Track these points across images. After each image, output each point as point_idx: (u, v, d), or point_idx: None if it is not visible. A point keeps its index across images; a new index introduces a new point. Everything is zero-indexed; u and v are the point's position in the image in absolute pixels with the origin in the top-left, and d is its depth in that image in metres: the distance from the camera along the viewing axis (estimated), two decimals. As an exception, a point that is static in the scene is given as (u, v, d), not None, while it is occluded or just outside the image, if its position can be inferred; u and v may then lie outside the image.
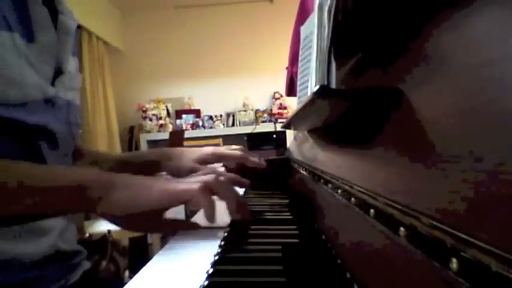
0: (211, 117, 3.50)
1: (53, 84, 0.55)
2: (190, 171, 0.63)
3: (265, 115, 3.48)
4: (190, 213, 3.04)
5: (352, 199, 0.32)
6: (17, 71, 0.49)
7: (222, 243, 0.42)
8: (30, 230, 0.51)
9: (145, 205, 0.45)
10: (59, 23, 0.58)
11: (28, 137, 0.51)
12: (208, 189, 0.46)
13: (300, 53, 0.68)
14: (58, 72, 0.57)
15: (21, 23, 0.51)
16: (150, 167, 0.71)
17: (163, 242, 0.56)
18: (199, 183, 0.46)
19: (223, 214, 0.49)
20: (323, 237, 0.42)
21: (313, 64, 0.50)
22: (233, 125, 3.51)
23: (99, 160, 0.72)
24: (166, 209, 0.48)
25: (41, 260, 0.52)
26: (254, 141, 3.25)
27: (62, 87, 0.57)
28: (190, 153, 0.71)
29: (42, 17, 0.54)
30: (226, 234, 0.47)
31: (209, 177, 0.48)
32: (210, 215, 0.45)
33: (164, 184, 0.46)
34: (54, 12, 0.58)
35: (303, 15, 1.05)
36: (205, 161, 0.70)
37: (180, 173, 0.66)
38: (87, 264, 0.64)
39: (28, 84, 0.50)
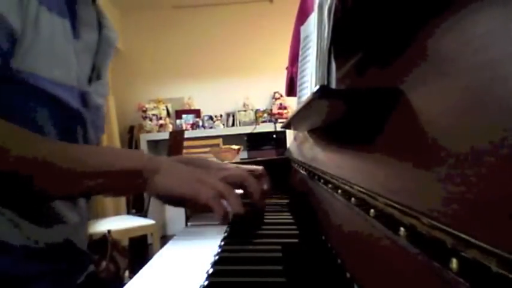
0: (211, 117, 3.50)
1: (88, 86, 0.58)
2: None
3: (265, 115, 3.47)
4: (190, 213, 3.04)
5: (352, 199, 0.32)
6: (65, 52, 0.52)
7: (222, 243, 0.42)
8: (47, 216, 0.52)
9: (178, 193, 0.49)
10: (102, 34, 0.61)
11: (68, 122, 0.53)
12: (221, 196, 0.49)
13: (300, 53, 0.68)
14: (95, 77, 0.60)
15: (70, 18, 0.53)
16: None
17: (163, 242, 0.56)
18: (214, 191, 0.49)
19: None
20: (323, 237, 0.42)
21: (313, 64, 0.50)
22: (233, 125, 3.51)
23: None
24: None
25: (54, 251, 0.53)
26: (254, 141, 3.25)
27: (94, 91, 0.59)
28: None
29: (89, 17, 0.57)
30: (226, 234, 0.47)
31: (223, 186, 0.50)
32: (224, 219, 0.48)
33: (195, 183, 0.49)
34: (98, 23, 0.61)
35: (303, 15, 1.04)
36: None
37: None
38: (91, 267, 0.64)
39: (71, 69, 0.53)
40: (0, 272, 0.47)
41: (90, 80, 0.58)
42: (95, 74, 0.60)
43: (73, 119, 0.54)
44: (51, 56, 0.49)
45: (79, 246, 0.59)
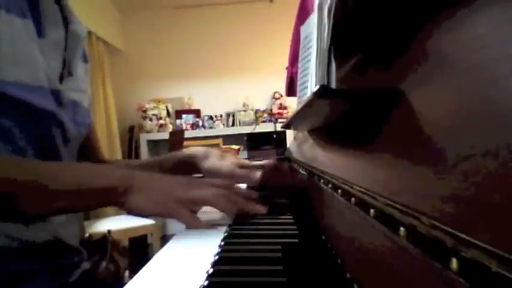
0: (211, 117, 3.50)
1: (60, 83, 0.57)
2: (229, 173, 0.73)
3: (265, 115, 3.48)
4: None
5: (352, 199, 0.32)
6: (29, 53, 0.50)
7: (222, 243, 0.42)
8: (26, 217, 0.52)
9: (153, 213, 0.51)
10: (69, 29, 0.60)
11: (42, 125, 0.52)
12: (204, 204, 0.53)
13: (300, 53, 0.68)
14: (66, 74, 0.59)
15: (33, 17, 0.52)
16: (184, 168, 0.76)
17: (163, 242, 0.56)
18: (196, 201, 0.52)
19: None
20: (323, 237, 0.42)
21: (313, 64, 0.51)
22: (233, 125, 3.51)
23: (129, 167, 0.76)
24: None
25: (42, 249, 0.52)
26: (254, 141, 3.25)
27: (67, 88, 0.58)
28: (231, 157, 0.77)
29: (53, 14, 0.56)
30: (226, 234, 0.47)
31: (210, 193, 0.53)
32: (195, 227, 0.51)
33: (172, 199, 0.51)
34: (64, 19, 0.60)
35: (303, 15, 1.04)
36: (243, 167, 0.75)
37: (220, 173, 0.74)
38: (86, 265, 0.64)
39: (38, 69, 0.51)
40: None
41: (61, 78, 0.57)
42: (66, 70, 0.59)
43: (47, 121, 0.53)
44: (13, 58, 0.48)
45: (69, 243, 0.58)
